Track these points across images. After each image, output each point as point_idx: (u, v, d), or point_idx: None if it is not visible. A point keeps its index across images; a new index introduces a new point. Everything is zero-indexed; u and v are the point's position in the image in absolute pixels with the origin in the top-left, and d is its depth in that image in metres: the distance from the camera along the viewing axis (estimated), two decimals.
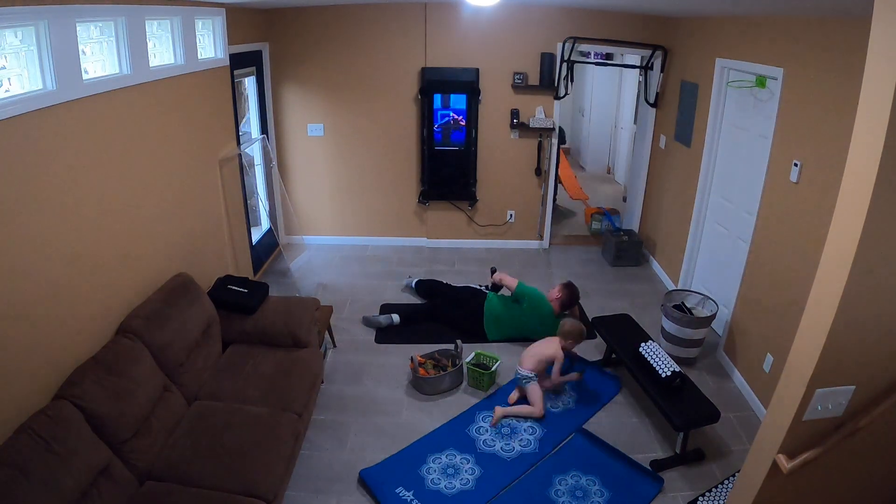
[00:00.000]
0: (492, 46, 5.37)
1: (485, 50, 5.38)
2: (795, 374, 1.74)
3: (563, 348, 3.66)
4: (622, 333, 3.88)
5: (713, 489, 2.99)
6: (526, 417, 3.50)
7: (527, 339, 4.18)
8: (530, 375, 3.58)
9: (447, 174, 5.76)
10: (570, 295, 4.30)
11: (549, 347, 3.69)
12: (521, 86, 5.49)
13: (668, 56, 5.25)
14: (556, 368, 3.63)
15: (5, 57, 2.20)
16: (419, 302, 4.87)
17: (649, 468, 3.13)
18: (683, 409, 3.14)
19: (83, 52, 2.60)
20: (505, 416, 3.49)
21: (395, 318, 4.47)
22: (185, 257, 3.55)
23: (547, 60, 5.39)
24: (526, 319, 4.23)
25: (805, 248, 3.17)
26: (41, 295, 2.30)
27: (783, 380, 1.82)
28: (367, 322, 4.52)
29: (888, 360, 1.71)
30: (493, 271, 4.50)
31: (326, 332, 4.12)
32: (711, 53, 4.31)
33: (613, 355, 4.00)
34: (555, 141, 5.69)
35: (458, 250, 6.02)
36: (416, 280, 5.07)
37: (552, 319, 4.23)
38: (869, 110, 1.42)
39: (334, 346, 4.24)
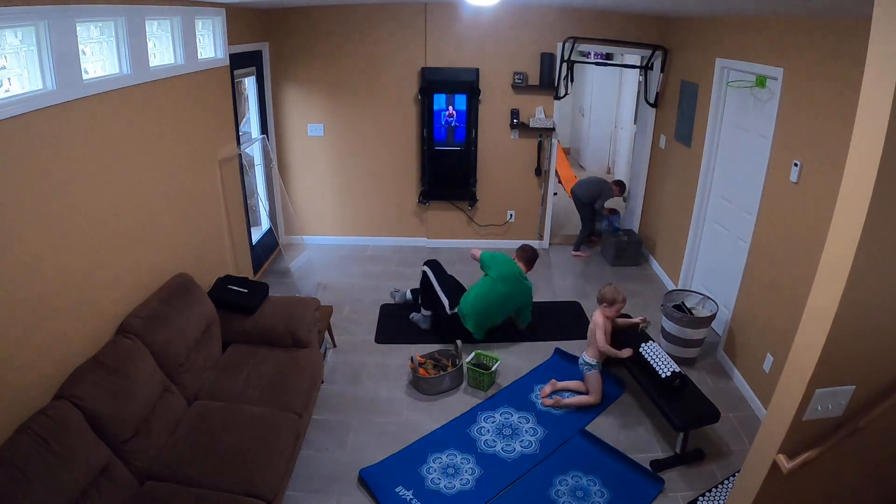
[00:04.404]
0: (492, 46, 5.37)
1: (485, 50, 5.38)
2: (795, 374, 1.74)
3: (606, 317, 3.65)
4: (622, 333, 3.88)
5: (713, 489, 2.99)
6: (579, 406, 3.60)
7: (511, 324, 4.42)
8: (592, 363, 3.63)
9: (447, 174, 5.77)
10: (526, 254, 4.44)
11: (595, 322, 3.65)
12: (521, 86, 5.49)
13: (668, 56, 5.25)
14: (599, 336, 3.56)
15: (5, 57, 2.20)
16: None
17: (649, 468, 3.13)
18: (683, 409, 3.14)
19: (83, 52, 2.60)
20: (556, 391, 3.68)
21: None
22: (185, 257, 3.55)
23: (547, 60, 5.39)
24: (497, 295, 4.18)
25: (805, 248, 3.17)
26: (41, 295, 2.30)
27: (783, 380, 1.82)
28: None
29: (888, 360, 1.71)
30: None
31: (326, 332, 4.12)
32: (711, 53, 4.31)
33: None
34: (555, 141, 5.69)
35: (458, 250, 6.01)
36: (409, 290, 4.89)
37: (522, 276, 4.31)
38: (869, 110, 1.42)
39: (334, 346, 4.24)
